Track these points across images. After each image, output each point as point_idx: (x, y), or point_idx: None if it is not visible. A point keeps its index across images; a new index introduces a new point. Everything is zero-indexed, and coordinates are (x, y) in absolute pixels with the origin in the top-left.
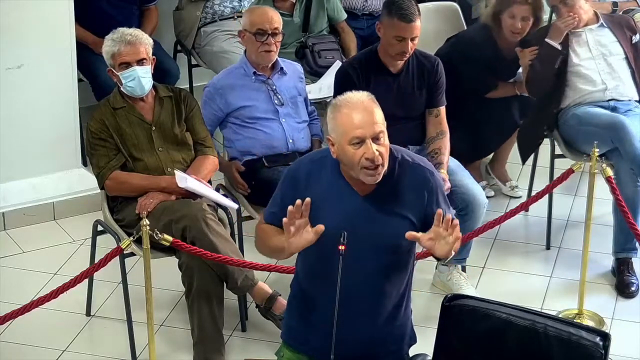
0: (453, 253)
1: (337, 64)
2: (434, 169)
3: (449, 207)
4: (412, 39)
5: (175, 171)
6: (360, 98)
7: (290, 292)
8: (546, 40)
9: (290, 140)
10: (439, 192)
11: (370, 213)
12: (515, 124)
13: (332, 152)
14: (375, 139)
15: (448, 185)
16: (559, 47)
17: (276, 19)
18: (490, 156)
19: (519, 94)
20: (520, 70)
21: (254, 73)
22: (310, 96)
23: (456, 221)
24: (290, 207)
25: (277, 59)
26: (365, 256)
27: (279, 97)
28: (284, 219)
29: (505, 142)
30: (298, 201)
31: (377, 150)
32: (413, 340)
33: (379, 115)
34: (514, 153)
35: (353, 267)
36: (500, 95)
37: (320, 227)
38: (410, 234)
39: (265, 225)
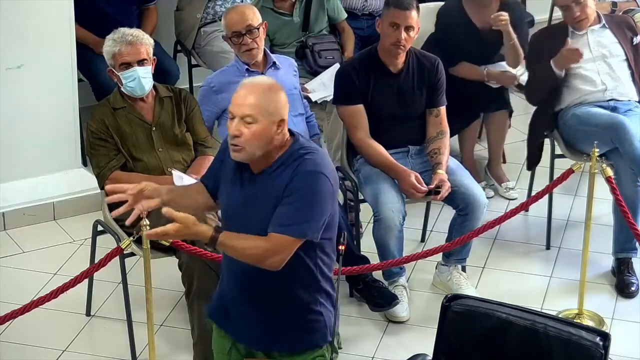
0: None
1: (337, 66)
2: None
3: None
4: (408, 30)
5: (172, 170)
6: (261, 80)
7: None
8: (552, 66)
9: None
10: (295, 189)
11: (257, 192)
12: (477, 113)
13: None
14: (244, 119)
15: (447, 185)
16: (562, 75)
17: (248, 16)
18: (487, 156)
19: (487, 82)
20: (505, 63)
21: (247, 70)
22: (315, 96)
23: None
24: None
25: (269, 54)
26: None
27: None
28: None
29: (464, 128)
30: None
31: (237, 129)
32: (336, 317)
33: (262, 100)
34: (514, 153)
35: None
36: (465, 76)
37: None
38: None
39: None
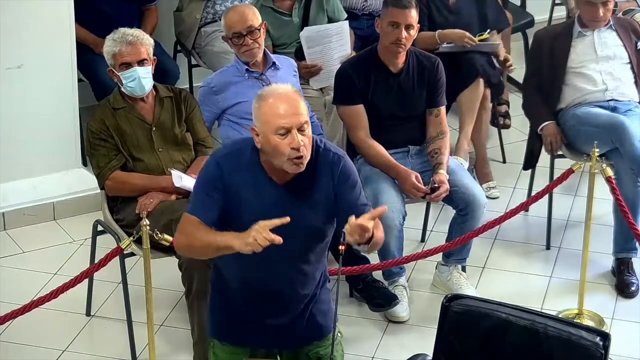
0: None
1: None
2: (344, 154)
3: (361, 193)
4: (407, 29)
5: (172, 170)
6: (285, 89)
7: (211, 288)
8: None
9: None
10: (348, 177)
11: (288, 201)
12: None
13: (257, 142)
14: (300, 129)
15: (446, 186)
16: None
17: (249, 16)
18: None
19: (440, 44)
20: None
21: (247, 70)
22: (316, 84)
23: (368, 226)
24: (265, 223)
25: (268, 54)
26: (286, 243)
27: None
28: (260, 231)
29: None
30: (277, 239)
31: (301, 140)
32: (336, 317)
33: (302, 106)
34: (515, 153)
35: (275, 255)
36: (423, 47)
37: (278, 238)
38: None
39: (197, 225)
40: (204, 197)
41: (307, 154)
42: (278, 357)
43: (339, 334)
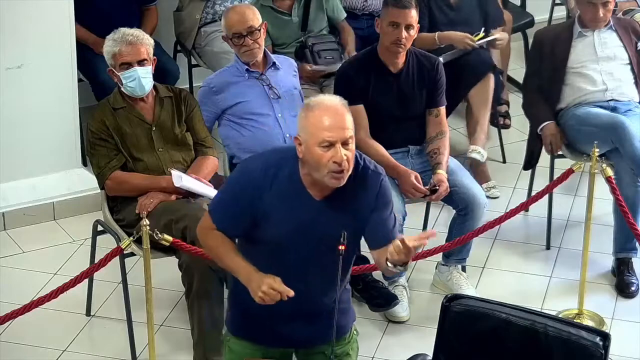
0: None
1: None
2: (383, 170)
3: (392, 210)
4: (407, 29)
5: (172, 170)
6: (333, 101)
7: (231, 287)
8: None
9: (287, 135)
10: (386, 195)
11: (323, 217)
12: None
13: (299, 152)
14: (345, 143)
15: (445, 186)
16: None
17: (249, 17)
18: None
19: (440, 46)
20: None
21: (247, 70)
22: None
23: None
24: (279, 287)
25: (268, 54)
26: (316, 256)
27: (275, 90)
28: (270, 286)
29: (455, 106)
30: (290, 293)
31: (345, 154)
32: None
33: (349, 120)
34: (514, 153)
35: (303, 268)
36: (421, 47)
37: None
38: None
39: (218, 234)
40: (230, 204)
41: (349, 168)
42: (294, 355)
43: (354, 332)
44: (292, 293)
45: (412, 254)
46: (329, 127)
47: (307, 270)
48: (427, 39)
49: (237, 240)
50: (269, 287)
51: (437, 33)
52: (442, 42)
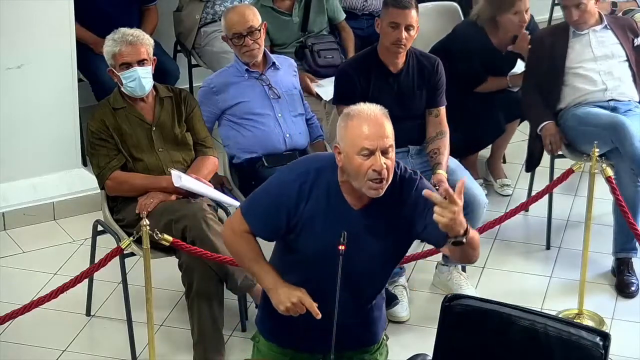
0: (462, 228)
1: None
2: (418, 173)
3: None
4: (408, 29)
5: (171, 170)
6: (373, 110)
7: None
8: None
9: (287, 135)
10: (427, 203)
11: (362, 229)
12: (499, 124)
13: (338, 161)
14: (384, 152)
15: (445, 185)
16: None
17: (249, 17)
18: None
19: (510, 87)
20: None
21: (247, 70)
22: (327, 95)
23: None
24: (309, 304)
25: (268, 54)
26: (358, 267)
27: (275, 90)
28: (296, 301)
29: (490, 141)
30: (317, 315)
31: (384, 163)
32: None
33: (389, 129)
34: (514, 153)
35: (345, 276)
36: (490, 89)
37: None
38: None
39: (249, 237)
40: (264, 212)
41: (388, 178)
42: None
43: (384, 337)
44: (319, 315)
45: (455, 205)
46: (368, 135)
47: (344, 284)
48: (499, 82)
49: (274, 248)
50: (299, 300)
51: (509, 77)
52: (513, 83)
